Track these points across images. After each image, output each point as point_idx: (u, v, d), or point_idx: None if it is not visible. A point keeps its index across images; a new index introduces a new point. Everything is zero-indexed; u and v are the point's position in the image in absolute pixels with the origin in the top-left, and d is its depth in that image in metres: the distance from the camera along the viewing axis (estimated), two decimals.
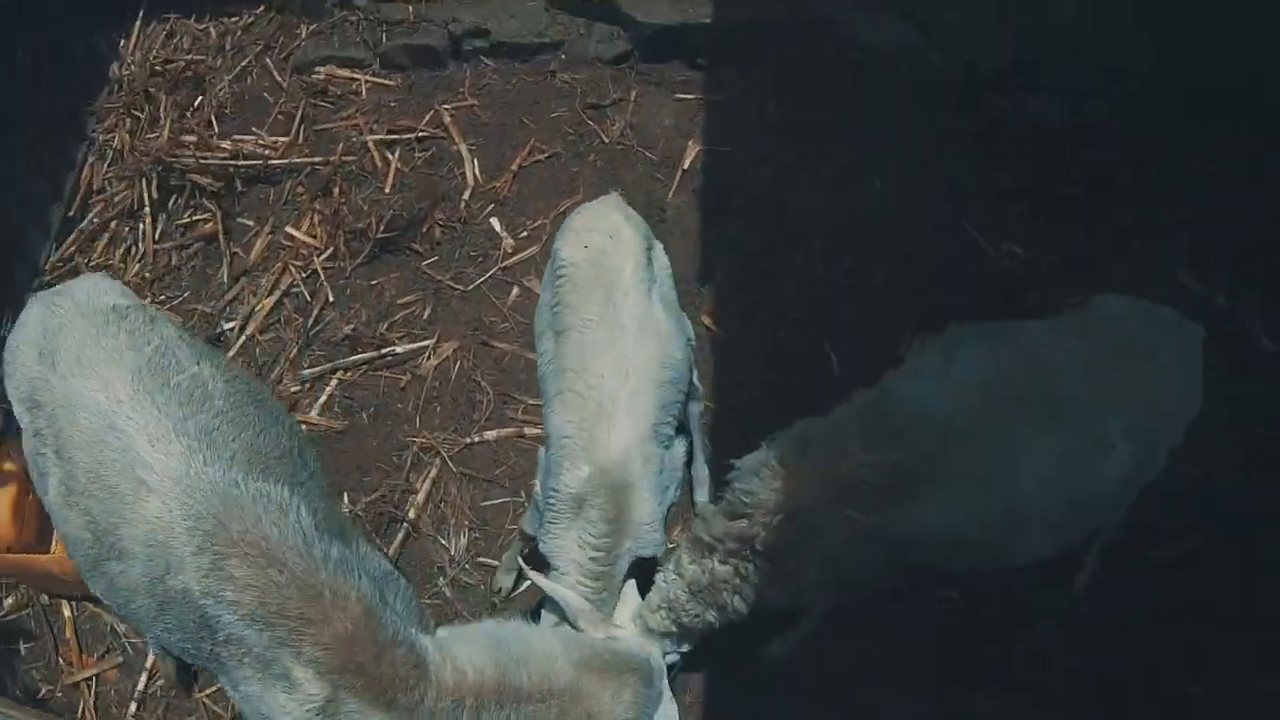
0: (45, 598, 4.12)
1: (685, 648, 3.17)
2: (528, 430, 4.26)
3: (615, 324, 3.04)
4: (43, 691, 3.99)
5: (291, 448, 2.71)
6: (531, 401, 4.33)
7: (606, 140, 4.98)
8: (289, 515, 2.44)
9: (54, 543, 3.80)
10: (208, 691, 3.85)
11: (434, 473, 4.17)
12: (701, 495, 3.95)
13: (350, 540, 2.64)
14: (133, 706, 3.90)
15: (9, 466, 3.83)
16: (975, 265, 4.60)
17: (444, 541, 4.08)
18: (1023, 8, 5.09)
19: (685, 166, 4.89)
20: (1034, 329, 2.92)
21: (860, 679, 3.69)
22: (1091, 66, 4.98)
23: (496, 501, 4.14)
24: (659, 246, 3.41)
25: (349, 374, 4.44)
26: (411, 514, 4.10)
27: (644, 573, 3.18)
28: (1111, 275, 4.56)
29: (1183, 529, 3.85)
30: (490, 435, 4.27)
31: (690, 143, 4.98)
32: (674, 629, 3.06)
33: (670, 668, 3.10)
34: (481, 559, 4.05)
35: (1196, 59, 4.77)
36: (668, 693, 2.88)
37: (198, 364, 2.68)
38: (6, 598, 4.14)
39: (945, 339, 2.95)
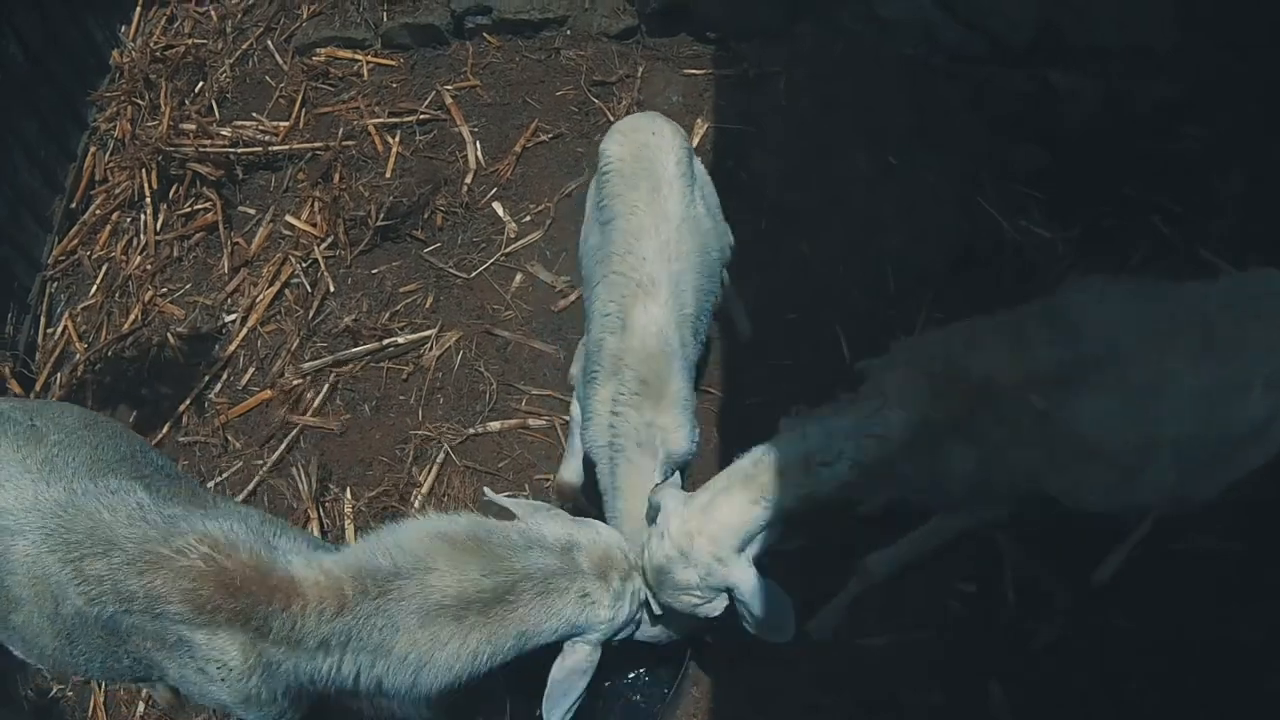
0: None
1: (771, 535, 2.78)
2: (531, 421, 4.16)
3: (660, 212, 3.09)
4: (54, 691, 3.98)
5: (133, 451, 2.80)
6: (535, 392, 4.23)
7: (613, 118, 4.80)
8: (127, 496, 2.51)
9: None
10: None
11: (437, 466, 4.08)
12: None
13: (203, 503, 2.69)
14: (140, 707, 3.88)
15: None
16: (992, 244, 4.42)
17: None
18: None
19: (694, 144, 4.71)
20: (1189, 286, 2.96)
21: (870, 671, 3.58)
22: (1116, 43, 4.75)
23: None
24: (699, 161, 3.42)
25: (351, 366, 4.35)
26: (416, 506, 4.02)
27: None
28: (1133, 254, 4.38)
29: (1214, 521, 3.68)
30: (494, 426, 4.17)
31: (699, 120, 4.81)
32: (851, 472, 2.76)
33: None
34: None
35: (1225, 35, 4.53)
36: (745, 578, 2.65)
37: (29, 419, 2.73)
38: None
39: (1095, 281, 2.99)
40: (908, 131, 4.69)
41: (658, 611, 2.84)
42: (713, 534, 2.63)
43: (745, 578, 2.64)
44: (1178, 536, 3.61)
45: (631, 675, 3.45)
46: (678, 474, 2.99)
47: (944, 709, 3.53)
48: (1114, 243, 4.41)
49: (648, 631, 2.92)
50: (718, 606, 2.73)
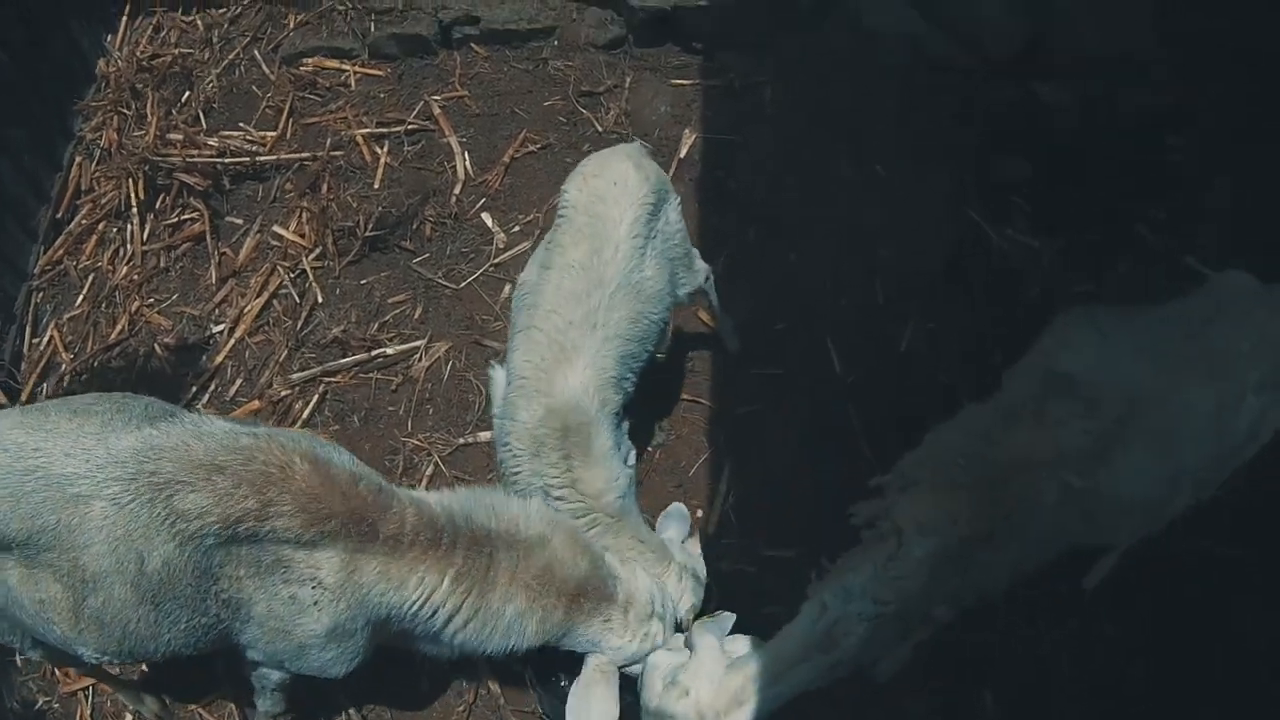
0: None
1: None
2: None
3: (596, 277, 3.03)
4: (40, 703, 3.94)
5: (177, 410, 2.81)
6: None
7: (601, 129, 4.83)
8: (206, 424, 2.57)
9: None
10: (203, 701, 3.80)
11: (426, 478, 4.08)
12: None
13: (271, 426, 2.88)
14: (129, 717, 3.86)
15: None
16: (979, 255, 4.45)
17: None
18: None
19: (682, 155, 4.75)
20: (1166, 306, 3.01)
21: (861, 678, 3.58)
22: (1100, 53, 4.79)
23: None
24: (674, 201, 3.32)
25: (339, 377, 4.34)
26: None
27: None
28: (1118, 263, 4.41)
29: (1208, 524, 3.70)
30: (484, 436, 4.16)
31: (687, 130, 4.83)
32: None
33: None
34: None
35: (1208, 46, 4.57)
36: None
37: (69, 408, 2.70)
38: None
39: (1085, 315, 3.00)
40: (894, 141, 4.72)
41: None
42: None
43: None
44: (1172, 540, 3.64)
45: None
46: (725, 620, 3.01)
47: (938, 712, 3.55)
48: (1099, 251, 4.45)
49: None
50: None
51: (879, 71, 4.89)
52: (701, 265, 3.58)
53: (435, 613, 2.74)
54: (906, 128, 4.75)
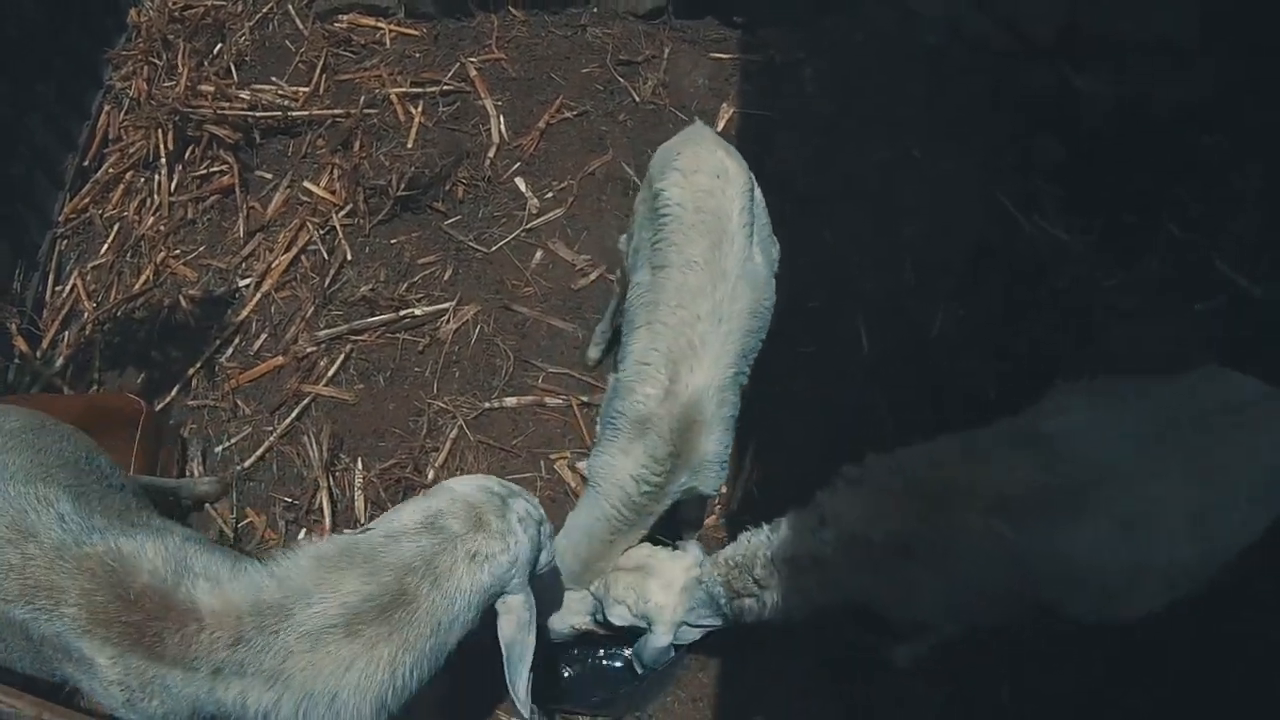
0: None
1: (705, 623, 3.15)
2: (548, 400, 4.13)
3: (718, 270, 2.98)
4: None
5: (77, 458, 2.78)
6: (552, 369, 4.19)
7: (638, 99, 4.78)
8: (53, 506, 2.50)
9: None
10: None
11: (450, 440, 4.04)
12: None
13: (131, 520, 2.66)
14: None
15: None
16: (1009, 241, 4.42)
17: None
18: None
19: (719, 129, 4.69)
20: (1159, 388, 2.93)
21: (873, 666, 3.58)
22: (1140, 43, 4.74)
23: (516, 477, 3.98)
24: (756, 187, 3.29)
25: (366, 336, 4.30)
26: (430, 476, 3.97)
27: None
28: (1146, 259, 4.38)
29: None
30: (510, 402, 4.14)
31: (724, 105, 4.78)
32: (722, 592, 3.03)
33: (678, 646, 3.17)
34: None
35: (1248, 37, 4.53)
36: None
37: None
38: None
39: (1081, 387, 2.97)
40: (929, 123, 4.68)
41: None
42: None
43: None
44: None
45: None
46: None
47: (954, 702, 3.53)
48: (1129, 245, 4.41)
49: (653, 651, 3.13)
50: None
51: (916, 52, 4.85)
52: (773, 241, 3.51)
53: (269, 712, 2.42)
54: (942, 110, 4.71)
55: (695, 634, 3.19)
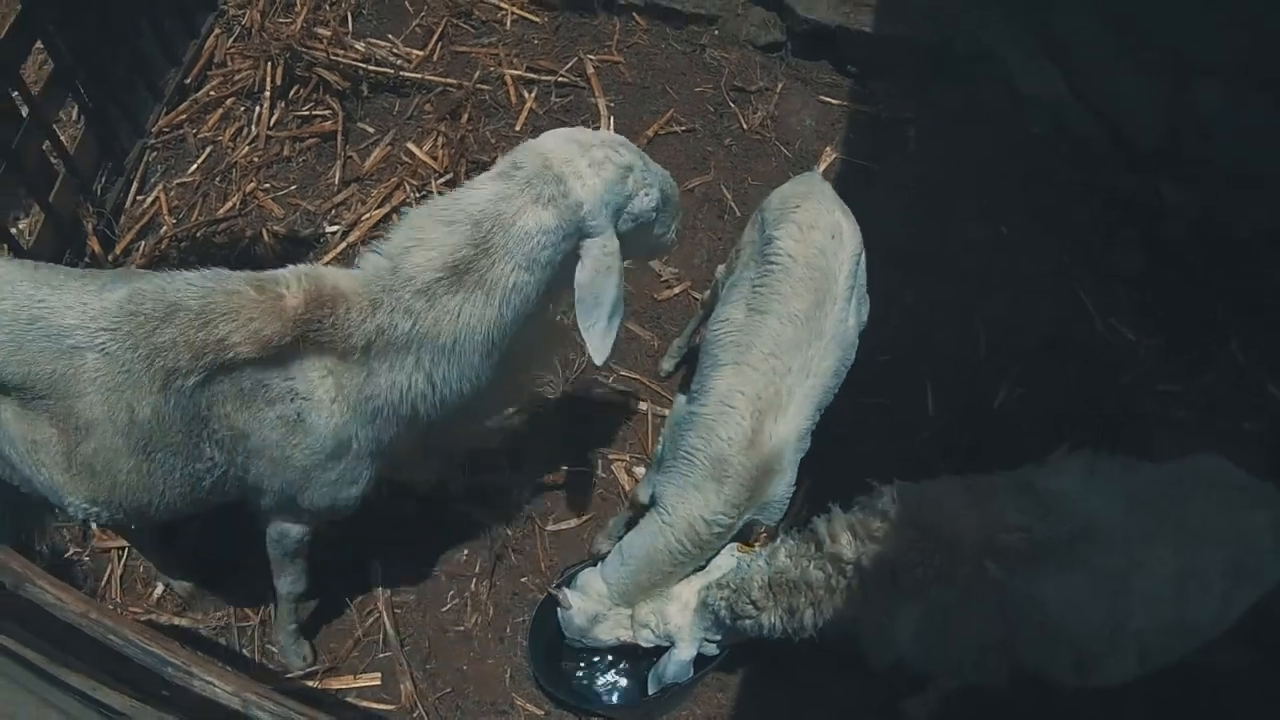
0: None
1: (718, 639, 3.23)
2: (615, 400, 4.15)
3: (816, 329, 3.04)
4: (70, 552, 3.86)
5: None
6: (624, 372, 4.24)
7: (745, 127, 4.85)
8: (182, 274, 2.62)
9: None
10: (233, 605, 3.72)
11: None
12: None
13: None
14: (159, 589, 3.77)
15: None
16: (1080, 335, 4.52)
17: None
18: (1174, 87, 4.98)
19: (820, 171, 4.77)
20: (1160, 470, 3.05)
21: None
22: (1231, 164, 4.88)
23: (570, 469, 4.00)
24: (863, 246, 3.33)
25: None
26: None
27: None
28: (1205, 373, 4.49)
29: None
30: (577, 394, 4.15)
31: (828, 149, 4.87)
32: (725, 614, 3.09)
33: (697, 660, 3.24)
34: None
35: None
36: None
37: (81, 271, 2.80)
38: None
39: (1085, 455, 3.05)
40: (1022, 206, 4.78)
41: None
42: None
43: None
44: None
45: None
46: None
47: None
48: (1191, 358, 4.52)
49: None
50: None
51: (1019, 136, 4.95)
52: (866, 304, 3.55)
53: (409, 387, 2.63)
54: (1036, 195, 4.81)
55: (714, 649, 3.28)
